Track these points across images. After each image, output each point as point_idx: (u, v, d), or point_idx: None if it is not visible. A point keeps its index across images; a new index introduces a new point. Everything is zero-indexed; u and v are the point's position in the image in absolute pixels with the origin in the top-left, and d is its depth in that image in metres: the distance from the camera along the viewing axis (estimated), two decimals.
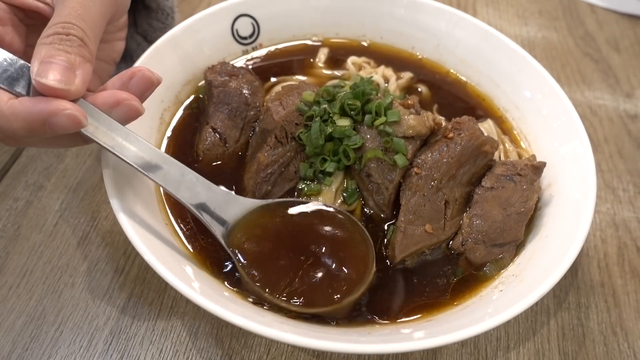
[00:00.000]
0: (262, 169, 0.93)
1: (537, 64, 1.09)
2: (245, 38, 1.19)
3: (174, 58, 1.06)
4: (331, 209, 0.90)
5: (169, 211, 0.93)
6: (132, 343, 0.87)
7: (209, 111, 1.02)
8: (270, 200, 0.90)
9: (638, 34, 1.59)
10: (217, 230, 0.84)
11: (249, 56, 1.21)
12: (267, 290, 0.80)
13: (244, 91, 1.02)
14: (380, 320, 0.83)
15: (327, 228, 0.87)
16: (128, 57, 1.08)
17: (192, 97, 1.11)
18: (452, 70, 1.23)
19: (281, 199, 0.92)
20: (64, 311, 0.90)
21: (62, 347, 0.86)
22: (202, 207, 0.83)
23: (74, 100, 0.71)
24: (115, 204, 0.80)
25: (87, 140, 0.75)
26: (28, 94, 0.71)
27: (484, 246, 0.89)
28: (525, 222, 0.91)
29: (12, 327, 0.87)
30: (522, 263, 0.89)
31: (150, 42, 1.11)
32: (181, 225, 0.92)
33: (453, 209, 0.91)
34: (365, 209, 0.96)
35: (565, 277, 0.99)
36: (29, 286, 0.92)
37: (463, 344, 0.91)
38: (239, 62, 1.19)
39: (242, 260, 0.83)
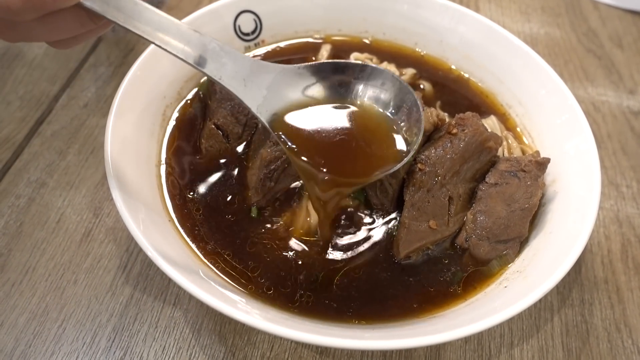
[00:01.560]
0: (265, 165, 0.92)
1: (541, 60, 1.08)
2: (247, 34, 1.19)
3: None
4: (374, 72, 0.83)
5: (170, 208, 0.93)
6: (135, 340, 0.87)
7: (212, 107, 1.02)
8: (302, 65, 0.83)
9: None
10: (252, 104, 0.77)
11: (251, 53, 1.21)
12: (311, 164, 0.77)
13: None
14: (383, 317, 0.83)
15: (369, 93, 0.83)
16: None
17: (193, 91, 1.11)
18: (454, 67, 1.23)
19: (314, 62, 0.84)
20: (66, 308, 0.90)
21: (65, 344, 0.86)
22: (232, 78, 0.75)
23: None
24: (118, 200, 0.79)
25: (94, 16, 0.67)
26: None
27: (487, 242, 0.89)
28: (529, 218, 0.90)
29: (15, 324, 0.87)
30: (526, 259, 0.89)
31: None
32: (184, 222, 0.91)
33: (457, 205, 0.91)
34: (369, 205, 0.95)
35: (568, 273, 0.98)
36: (31, 283, 0.92)
37: (467, 340, 0.90)
38: None
39: (287, 140, 0.78)
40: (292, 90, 0.81)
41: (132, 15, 0.68)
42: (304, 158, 0.77)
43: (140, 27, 0.68)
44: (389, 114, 0.85)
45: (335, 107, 0.82)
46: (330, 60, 0.85)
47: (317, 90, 0.82)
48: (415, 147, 0.82)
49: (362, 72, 0.84)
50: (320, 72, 0.83)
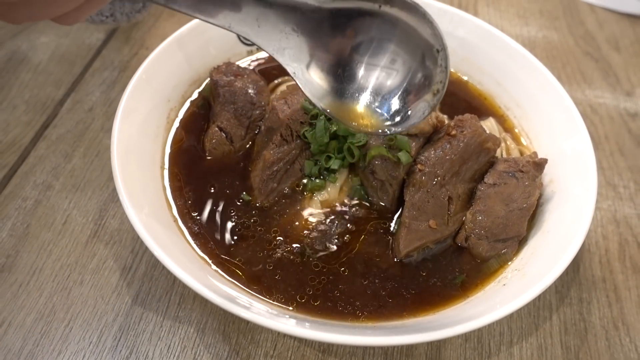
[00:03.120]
0: (267, 166, 0.94)
1: (538, 62, 1.10)
2: None
3: (181, 58, 1.08)
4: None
5: (175, 209, 0.94)
6: (141, 339, 0.88)
7: (215, 110, 1.04)
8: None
9: (638, 33, 1.60)
10: (268, 46, 0.72)
11: (253, 57, 1.22)
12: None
13: (249, 90, 1.04)
14: (384, 315, 0.85)
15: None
16: None
17: (196, 92, 1.13)
18: (453, 70, 1.24)
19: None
20: (73, 308, 0.91)
21: (72, 343, 0.87)
22: (243, 23, 0.70)
23: None
24: (125, 201, 0.81)
25: None
26: None
27: (487, 241, 0.91)
28: (527, 217, 0.92)
29: (22, 324, 0.89)
30: (524, 258, 0.90)
31: None
32: (188, 223, 0.93)
33: (456, 205, 0.92)
34: (370, 206, 0.97)
35: (567, 272, 1.01)
36: (38, 284, 0.93)
37: (467, 338, 0.92)
38: (244, 63, 1.21)
39: (307, 91, 0.74)
40: (315, 31, 0.74)
41: None
42: (323, 107, 0.75)
43: None
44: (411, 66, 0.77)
45: (358, 59, 0.77)
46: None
47: (343, 28, 0.75)
48: (439, 96, 0.75)
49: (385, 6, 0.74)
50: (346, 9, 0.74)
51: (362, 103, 0.79)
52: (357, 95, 0.78)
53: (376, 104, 0.78)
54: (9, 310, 0.90)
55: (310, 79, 0.76)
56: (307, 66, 0.75)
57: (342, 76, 0.76)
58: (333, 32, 0.75)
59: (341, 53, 0.76)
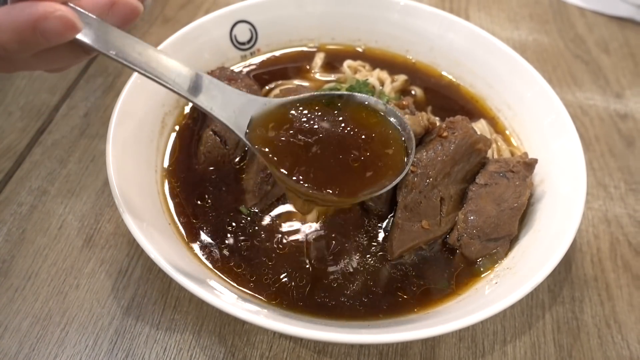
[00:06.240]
0: (261, 169, 0.95)
1: (527, 64, 1.12)
2: (243, 44, 1.22)
3: None
4: (360, 98, 0.85)
5: (170, 213, 0.95)
6: (137, 342, 0.89)
7: None
8: (292, 98, 0.84)
9: (627, 36, 1.62)
10: (239, 130, 0.79)
11: (247, 62, 1.24)
12: (300, 181, 0.77)
13: None
14: (378, 315, 0.85)
15: (357, 119, 0.83)
16: None
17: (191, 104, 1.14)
18: (445, 73, 1.26)
19: (304, 95, 0.86)
20: (69, 312, 0.91)
21: (68, 347, 0.88)
22: (222, 110, 0.78)
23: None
24: (120, 205, 0.81)
25: (87, 49, 0.68)
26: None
27: (479, 241, 0.92)
28: (518, 217, 0.93)
29: (18, 328, 0.89)
30: (516, 257, 0.91)
31: None
32: (183, 226, 0.94)
33: (448, 205, 0.94)
34: (363, 206, 0.98)
35: (559, 272, 1.02)
36: (34, 288, 0.94)
37: (461, 337, 0.93)
38: (238, 68, 1.22)
39: (268, 154, 0.78)
40: (279, 115, 0.83)
41: (124, 49, 0.69)
42: (285, 172, 0.78)
43: (133, 60, 0.70)
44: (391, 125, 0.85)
45: (324, 122, 0.83)
46: (316, 93, 0.86)
47: (306, 114, 0.84)
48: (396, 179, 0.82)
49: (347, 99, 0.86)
50: (308, 103, 0.85)
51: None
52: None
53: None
54: (4, 314, 0.90)
55: None
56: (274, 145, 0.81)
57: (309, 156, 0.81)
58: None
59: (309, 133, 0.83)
